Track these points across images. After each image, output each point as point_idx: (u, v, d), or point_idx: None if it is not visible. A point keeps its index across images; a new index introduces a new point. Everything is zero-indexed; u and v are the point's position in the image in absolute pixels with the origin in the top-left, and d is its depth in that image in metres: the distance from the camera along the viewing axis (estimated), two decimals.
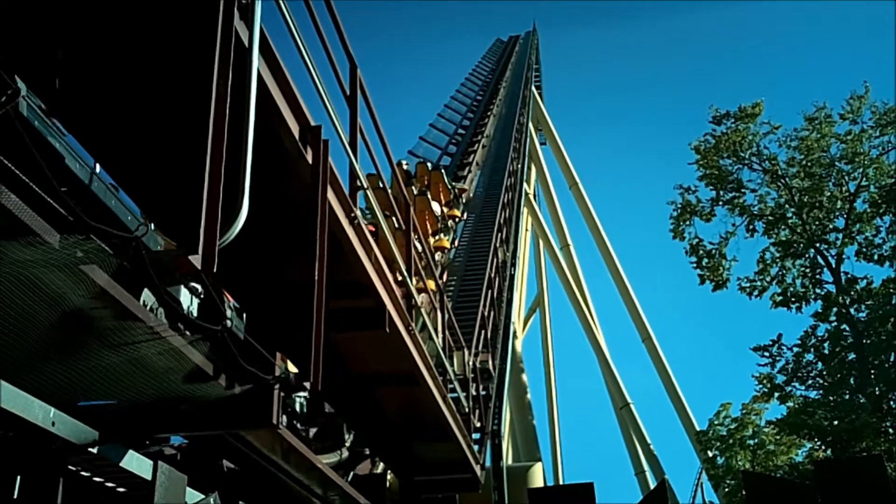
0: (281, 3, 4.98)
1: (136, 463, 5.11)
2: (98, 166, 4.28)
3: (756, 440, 29.19)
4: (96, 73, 3.83)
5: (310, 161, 5.40)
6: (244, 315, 6.51)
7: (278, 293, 6.21)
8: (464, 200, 30.08)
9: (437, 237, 24.77)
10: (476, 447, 14.00)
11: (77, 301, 3.81)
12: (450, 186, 28.03)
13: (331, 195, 5.74)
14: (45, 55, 3.64)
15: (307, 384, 5.06)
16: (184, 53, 3.68)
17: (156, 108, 3.67)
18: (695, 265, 29.92)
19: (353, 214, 6.41)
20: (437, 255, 24.25)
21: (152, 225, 4.58)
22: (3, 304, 3.53)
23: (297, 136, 5.19)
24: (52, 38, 3.64)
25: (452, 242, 26.41)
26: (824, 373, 25.27)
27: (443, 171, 28.96)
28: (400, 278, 8.96)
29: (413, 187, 24.10)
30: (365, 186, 7.08)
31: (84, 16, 3.66)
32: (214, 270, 3.49)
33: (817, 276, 27.59)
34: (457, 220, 27.94)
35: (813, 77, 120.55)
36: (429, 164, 29.12)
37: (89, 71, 3.79)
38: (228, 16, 3.88)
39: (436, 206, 25.28)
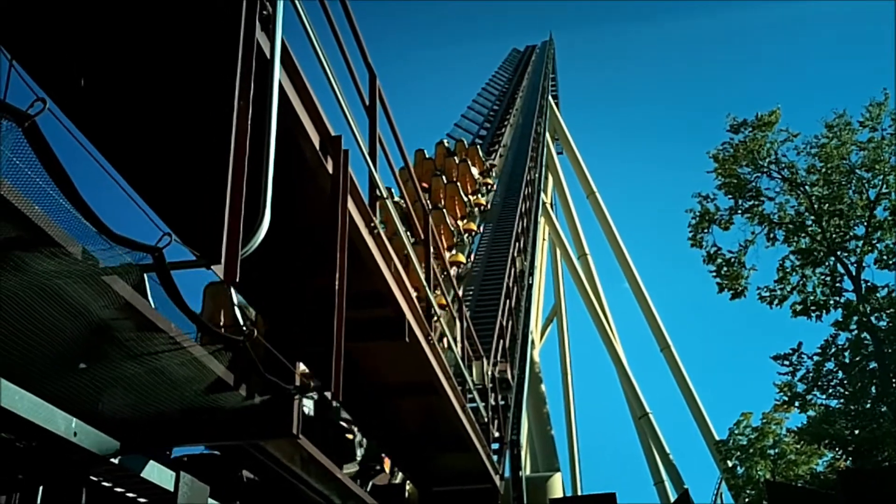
0: (302, 14, 4.99)
1: (156, 473, 5.11)
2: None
3: (776, 450, 29.01)
4: (118, 84, 3.85)
5: (330, 171, 5.41)
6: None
7: (298, 302, 6.21)
8: (494, 174, 36.19)
9: (475, 196, 31.01)
10: (495, 457, 13.96)
11: (99, 312, 3.82)
12: (483, 159, 34.81)
13: (350, 205, 5.75)
14: (69, 65, 3.66)
15: (328, 394, 5.06)
16: (206, 65, 3.69)
17: (178, 118, 3.69)
18: (714, 274, 29.79)
19: (372, 224, 6.41)
20: (474, 216, 29.99)
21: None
22: (26, 314, 3.55)
23: (317, 146, 5.20)
24: (76, 49, 3.66)
25: (468, 257, 27.08)
26: (845, 382, 25.05)
27: (478, 146, 36.28)
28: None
29: (455, 157, 31.03)
30: (385, 197, 7.09)
31: (107, 28, 3.68)
32: (237, 280, 3.50)
33: (837, 285, 27.40)
34: (489, 187, 33.93)
35: (832, 84, 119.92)
36: (465, 141, 36.47)
37: (111, 81, 3.81)
38: (250, 27, 3.89)
39: (475, 171, 31.55)
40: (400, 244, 8.53)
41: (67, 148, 3.34)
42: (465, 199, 28.89)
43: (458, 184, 28.30)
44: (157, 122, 3.72)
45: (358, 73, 6.97)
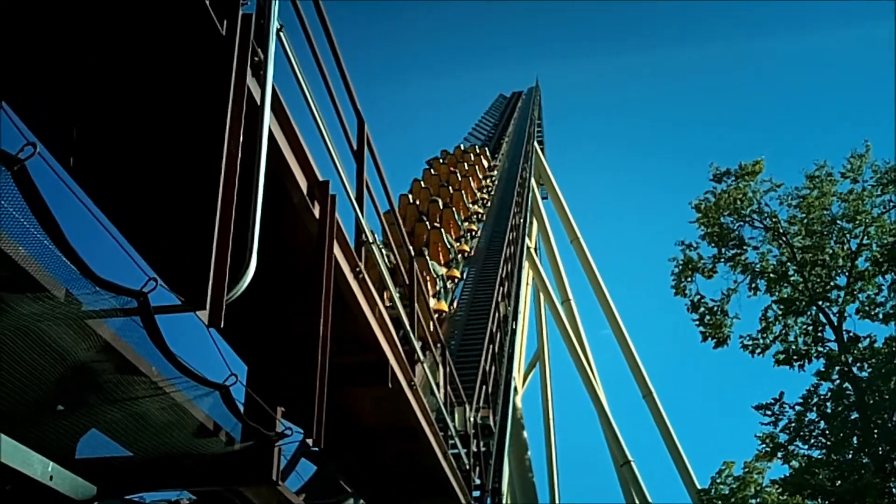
0: (293, 61, 5.03)
1: None
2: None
3: (758, 499, 28.83)
4: (107, 127, 3.85)
5: (317, 216, 5.41)
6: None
7: (281, 346, 6.18)
8: (496, 173, 44.35)
9: (485, 181, 40.70)
10: None
11: (82, 355, 3.78)
12: (489, 158, 44.77)
13: (336, 250, 5.74)
14: (60, 110, 3.66)
15: (310, 441, 5.01)
16: (196, 109, 3.70)
17: (167, 163, 3.68)
18: (697, 322, 29.79)
19: (357, 269, 6.40)
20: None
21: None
22: (7, 357, 3.51)
23: (305, 191, 5.21)
24: (66, 93, 3.67)
25: (451, 305, 27.21)
26: (827, 432, 24.98)
27: (486, 149, 45.83)
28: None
29: (470, 154, 41.33)
30: (371, 241, 7.09)
31: (98, 73, 3.69)
32: (221, 325, 3.48)
33: (819, 335, 27.40)
34: (494, 179, 43.01)
35: (814, 134, 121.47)
36: (477, 147, 45.58)
37: (100, 125, 3.81)
38: (241, 73, 3.91)
39: (484, 162, 41.98)
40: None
41: (53, 190, 3.33)
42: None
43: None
44: (145, 167, 3.72)
45: (346, 118, 7.01)
